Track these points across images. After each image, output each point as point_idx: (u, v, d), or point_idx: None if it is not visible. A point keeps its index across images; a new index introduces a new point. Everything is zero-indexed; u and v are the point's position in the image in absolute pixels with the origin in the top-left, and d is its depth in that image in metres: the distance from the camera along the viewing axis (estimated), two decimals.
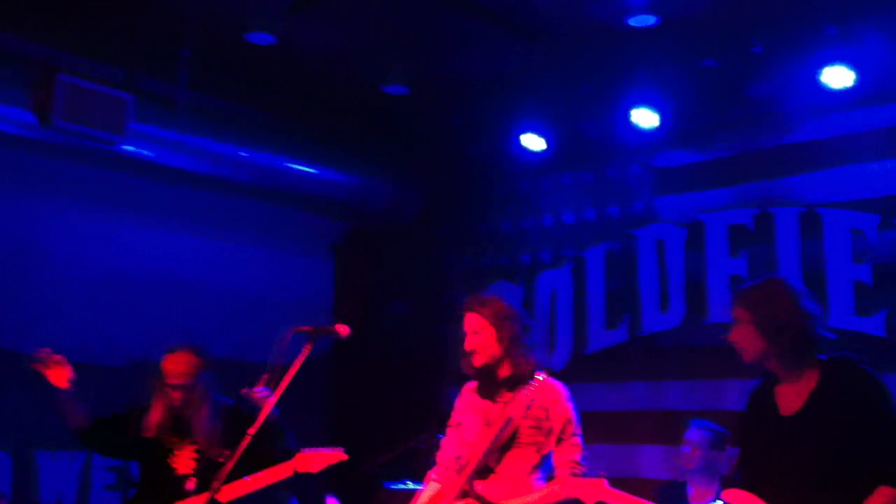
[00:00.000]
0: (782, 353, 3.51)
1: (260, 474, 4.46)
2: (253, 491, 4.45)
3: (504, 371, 4.29)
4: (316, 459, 4.45)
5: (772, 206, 6.38)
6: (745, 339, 3.58)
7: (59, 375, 4.64)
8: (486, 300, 4.39)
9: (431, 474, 4.50)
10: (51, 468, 6.34)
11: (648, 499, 4.05)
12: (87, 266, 6.80)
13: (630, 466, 6.71)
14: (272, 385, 4.03)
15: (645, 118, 6.60)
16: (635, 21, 5.98)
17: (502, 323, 4.28)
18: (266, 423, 4.08)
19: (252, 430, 3.94)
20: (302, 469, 4.45)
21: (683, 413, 6.29)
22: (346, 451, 4.39)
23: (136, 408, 4.98)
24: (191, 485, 4.75)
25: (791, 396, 3.52)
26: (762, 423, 3.61)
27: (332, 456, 4.47)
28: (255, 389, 4.38)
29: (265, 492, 4.55)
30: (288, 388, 3.89)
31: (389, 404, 7.79)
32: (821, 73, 5.93)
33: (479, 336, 4.29)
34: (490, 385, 4.35)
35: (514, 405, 4.17)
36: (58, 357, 4.64)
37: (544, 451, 4.25)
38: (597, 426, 6.54)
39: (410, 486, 5.92)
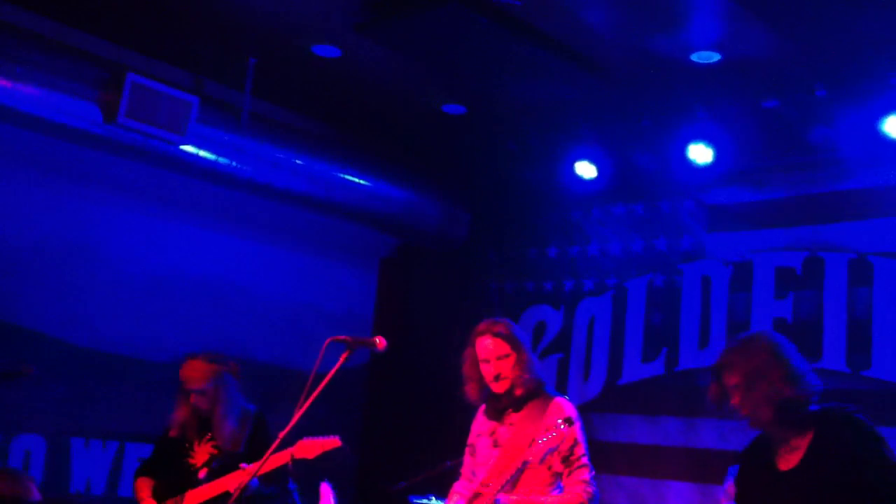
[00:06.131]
0: (773, 410, 3.40)
1: (259, 461, 4.59)
2: (253, 476, 4.56)
3: (517, 392, 4.33)
4: (313, 446, 4.65)
5: (822, 250, 6.32)
6: (742, 403, 3.45)
7: None
8: (500, 323, 4.40)
9: (456, 485, 4.61)
10: (83, 455, 6.45)
11: None
12: (138, 263, 6.91)
13: (657, 502, 6.66)
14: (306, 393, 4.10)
15: (701, 154, 6.58)
16: (698, 57, 5.96)
17: (521, 346, 4.34)
18: None
19: (281, 435, 4.01)
20: (299, 455, 4.63)
21: (715, 451, 6.25)
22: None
23: (164, 434, 5.24)
24: (202, 474, 4.93)
25: (788, 450, 3.44)
26: (759, 478, 3.53)
27: (328, 443, 4.66)
28: None
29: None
30: (325, 397, 3.95)
31: (423, 420, 7.80)
32: (882, 121, 5.89)
33: (506, 361, 4.31)
34: (497, 407, 4.41)
35: (534, 449, 4.08)
36: None
37: (555, 470, 4.26)
38: (625, 458, 6.55)
39: (435, 501, 5.95)
